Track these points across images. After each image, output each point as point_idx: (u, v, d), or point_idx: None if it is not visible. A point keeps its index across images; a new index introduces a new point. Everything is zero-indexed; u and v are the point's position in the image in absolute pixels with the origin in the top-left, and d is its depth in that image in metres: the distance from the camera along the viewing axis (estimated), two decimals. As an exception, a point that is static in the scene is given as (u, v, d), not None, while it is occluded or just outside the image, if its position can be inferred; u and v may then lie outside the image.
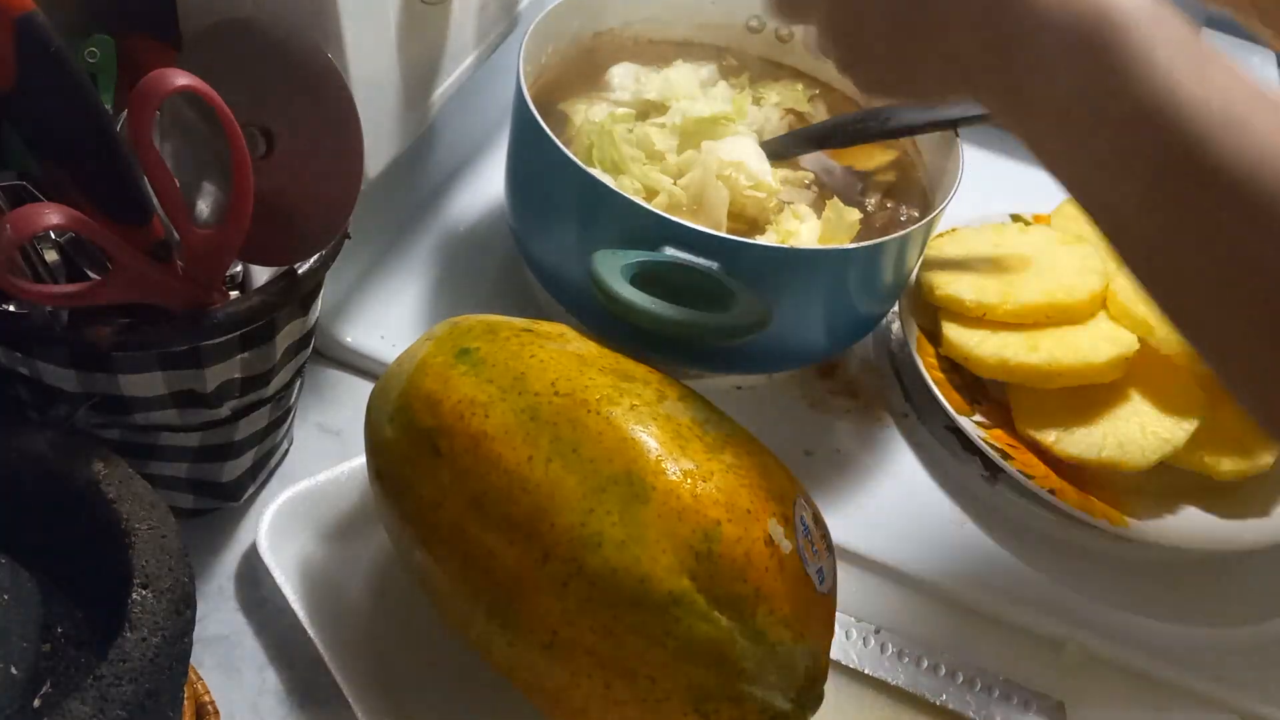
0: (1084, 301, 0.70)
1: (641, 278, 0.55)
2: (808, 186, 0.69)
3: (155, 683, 0.39)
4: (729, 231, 0.63)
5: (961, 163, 0.66)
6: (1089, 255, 0.73)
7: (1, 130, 0.46)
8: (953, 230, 0.77)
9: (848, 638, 0.57)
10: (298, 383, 0.56)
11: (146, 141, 0.41)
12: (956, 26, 0.42)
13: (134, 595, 0.40)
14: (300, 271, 0.49)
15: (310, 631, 0.52)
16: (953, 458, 0.69)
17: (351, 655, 0.52)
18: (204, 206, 0.48)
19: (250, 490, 0.58)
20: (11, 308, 0.45)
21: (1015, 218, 0.81)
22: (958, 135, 0.67)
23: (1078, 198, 0.42)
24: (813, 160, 0.71)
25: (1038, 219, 0.81)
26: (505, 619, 0.45)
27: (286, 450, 0.61)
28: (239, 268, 0.52)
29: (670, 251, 0.57)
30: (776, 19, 0.57)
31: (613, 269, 0.55)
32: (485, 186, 0.79)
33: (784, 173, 0.69)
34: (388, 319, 0.68)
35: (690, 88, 0.71)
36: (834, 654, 0.52)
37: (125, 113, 0.41)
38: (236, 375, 0.49)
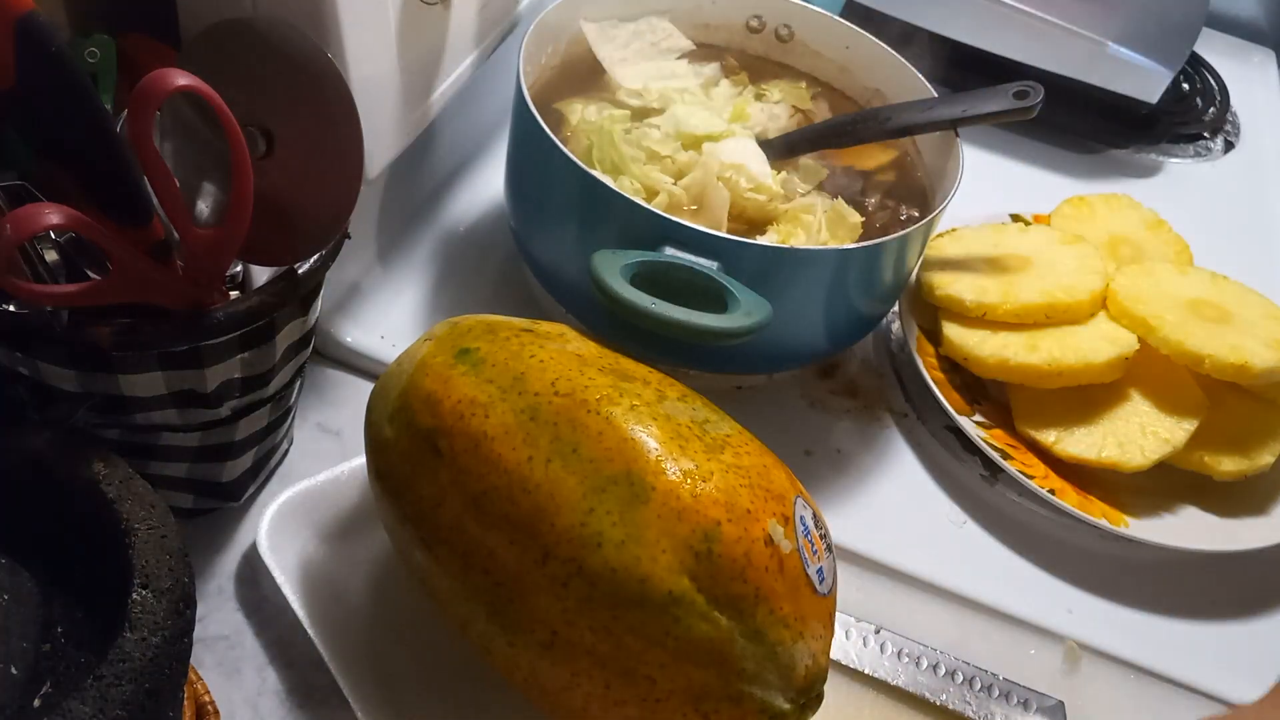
0: (1084, 301, 0.70)
1: (641, 278, 0.55)
2: (808, 188, 0.69)
3: (155, 683, 0.39)
4: (729, 232, 0.63)
5: (961, 163, 0.66)
6: (1089, 255, 0.73)
7: (1, 130, 0.46)
8: (953, 230, 0.77)
9: (848, 638, 0.57)
10: (298, 383, 0.56)
11: (146, 141, 0.41)
12: None
13: (134, 595, 0.40)
14: (300, 271, 0.49)
15: (310, 631, 0.52)
16: (953, 458, 0.69)
17: (351, 655, 0.52)
18: (204, 206, 0.48)
19: (250, 490, 0.58)
20: (11, 308, 0.45)
21: (1015, 218, 0.81)
22: (958, 135, 0.67)
23: None
24: (813, 160, 0.71)
25: (1038, 219, 0.81)
26: (505, 619, 0.45)
27: (286, 450, 0.61)
28: (239, 268, 0.52)
29: (670, 251, 0.57)
30: None
31: (613, 269, 0.55)
32: (485, 186, 0.79)
33: (784, 174, 0.69)
34: (388, 319, 0.68)
35: (689, 86, 0.71)
36: (834, 654, 0.52)
37: (125, 113, 0.41)
38: (236, 375, 0.49)
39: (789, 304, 0.60)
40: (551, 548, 0.44)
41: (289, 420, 0.59)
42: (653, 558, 0.43)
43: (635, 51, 0.73)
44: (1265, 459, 0.67)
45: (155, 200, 0.43)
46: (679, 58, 0.75)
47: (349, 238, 0.51)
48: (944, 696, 0.56)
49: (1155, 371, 0.68)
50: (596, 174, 0.61)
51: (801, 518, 0.46)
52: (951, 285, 0.72)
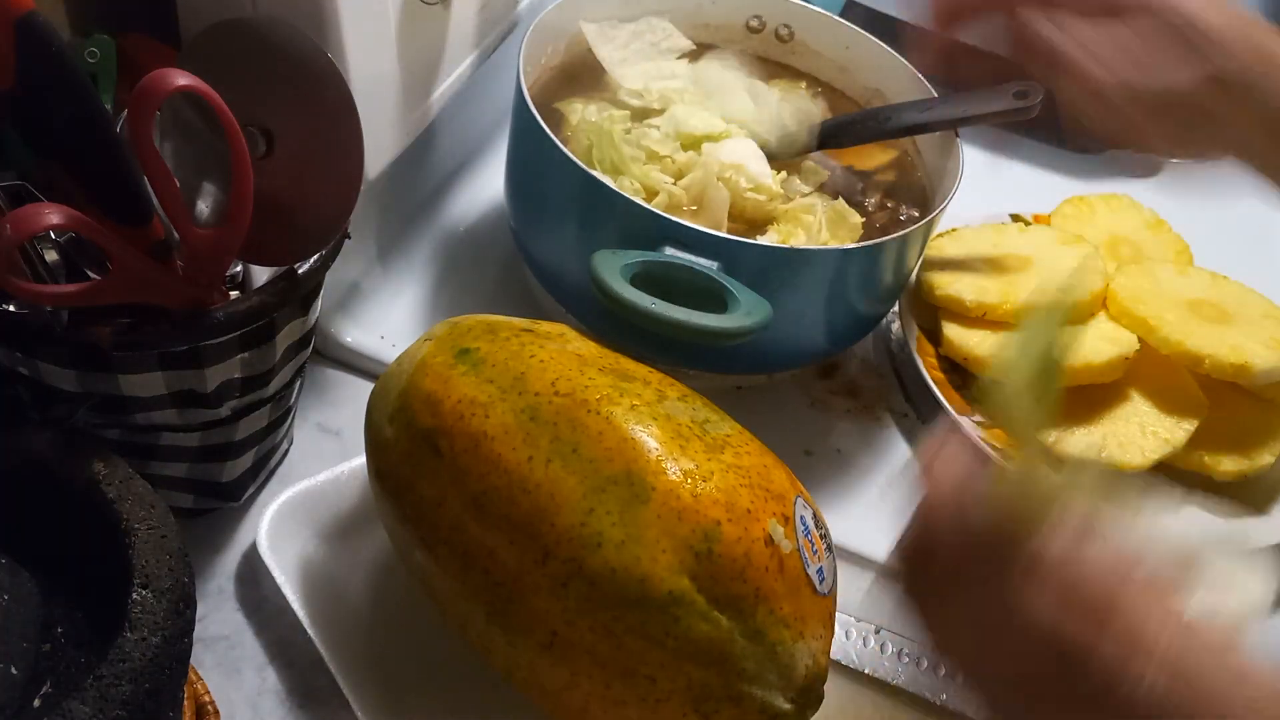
0: (1084, 301, 0.69)
1: (641, 278, 0.55)
2: (808, 189, 0.69)
3: (155, 683, 0.39)
4: (729, 232, 0.63)
5: (961, 163, 0.66)
6: (1089, 255, 0.73)
7: (1, 130, 0.46)
8: (953, 230, 0.77)
9: (848, 638, 0.57)
10: (298, 383, 0.56)
11: (146, 141, 0.41)
12: None
13: (134, 595, 0.40)
14: (300, 271, 0.49)
15: (310, 631, 0.52)
16: (953, 458, 0.69)
17: (351, 655, 0.52)
18: (204, 206, 0.48)
19: (250, 490, 0.58)
20: (11, 308, 0.45)
21: (1015, 218, 0.81)
22: (958, 135, 0.67)
23: None
24: (813, 160, 0.71)
25: (1038, 219, 0.81)
26: (505, 619, 0.45)
27: (286, 450, 0.61)
28: (239, 268, 0.52)
29: (670, 251, 0.57)
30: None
31: (613, 269, 0.55)
32: (485, 186, 0.79)
33: (784, 174, 0.69)
34: (388, 319, 0.68)
35: (689, 86, 0.71)
36: (834, 654, 0.51)
37: (125, 113, 0.41)
38: (236, 375, 0.49)
39: (789, 304, 0.60)
40: (551, 548, 0.44)
41: (289, 420, 0.59)
42: (653, 558, 0.43)
43: (635, 52, 0.73)
44: (1265, 459, 0.67)
45: (155, 200, 0.43)
46: (679, 58, 0.75)
47: (349, 238, 0.51)
48: (944, 697, 0.56)
49: (1155, 371, 0.68)
50: (596, 174, 0.61)
51: (801, 518, 0.46)
52: (951, 285, 0.72)
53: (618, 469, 0.44)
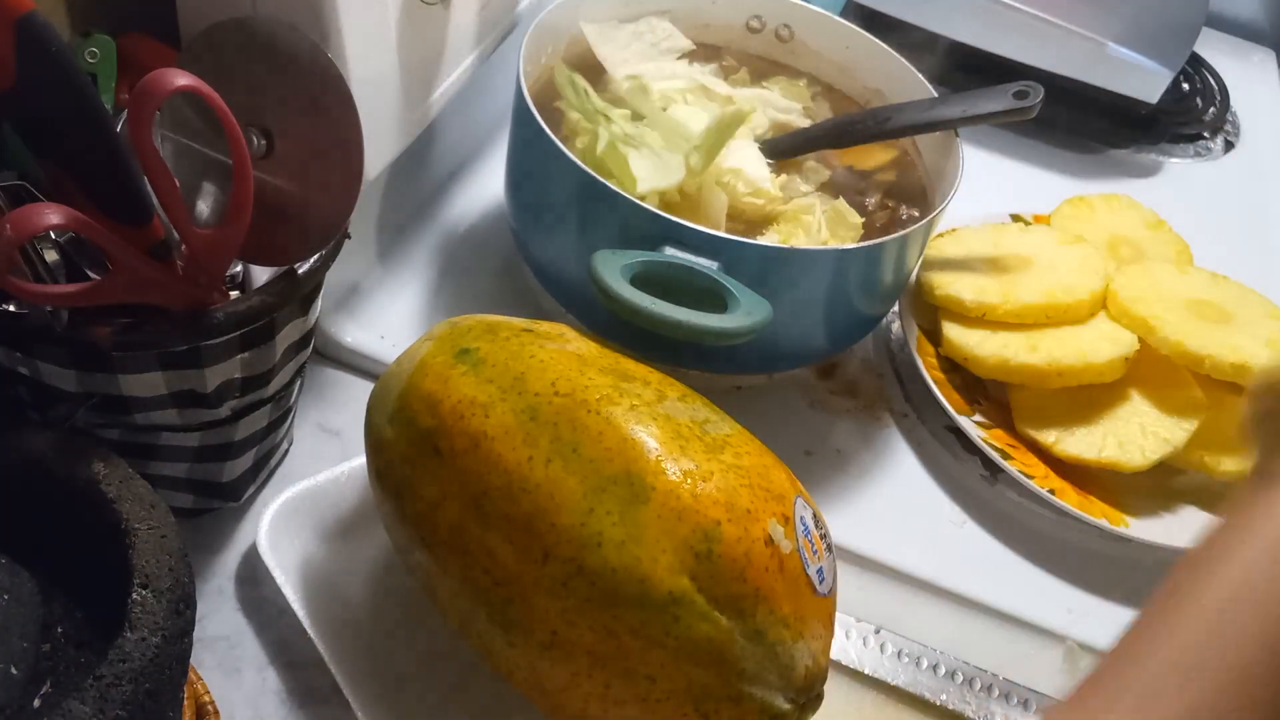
0: (1084, 301, 0.70)
1: (641, 278, 0.55)
2: (809, 189, 0.69)
3: (155, 683, 0.39)
4: (729, 232, 0.63)
5: (961, 163, 0.66)
6: (1089, 255, 0.73)
7: (1, 130, 0.46)
8: (953, 230, 0.77)
9: (848, 638, 0.57)
10: (298, 383, 0.56)
11: (146, 141, 0.41)
12: None
13: (134, 595, 0.40)
14: (300, 271, 0.49)
15: (310, 631, 0.52)
16: (953, 458, 0.69)
17: (351, 655, 0.52)
18: (204, 206, 0.48)
19: (250, 490, 0.58)
20: (11, 308, 0.45)
21: (1015, 218, 0.81)
22: (958, 135, 0.67)
23: None
24: (813, 160, 0.71)
25: (1038, 219, 0.81)
26: (505, 619, 0.45)
27: (286, 450, 0.61)
28: (239, 268, 0.52)
29: (670, 251, 0.57)
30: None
31: (613, 269, 0.55)
32: (485, 186, 0.79)
33: (784, 175, 0.69)
34: (388, 319, 0.68)
35: (689, 86, 0.71)
36: (834, 654, 0.51)
37: (125, 113, 0.41)
38: (236, 375, 0.49)
39: (789, 304, 0.60)
40: (551, 548, 0.44)
41: (289, 420, 0.59)
42: (653, 558, 0.43)
43: (635, 52, 0.73)
44: (1265, 459, 0.67)
45: (155, 200, 0.43)
46: (679, 58, 0.75)
47: (349, 238, 0.51)
48: (944, 696, 0.56)
49: (1155, 371, 0.68)
50: (596, 175, 0.61)
51: (801, 518, 0.46)
52: (951, 285, 0.72)
53: (618, 469, 0.44)
